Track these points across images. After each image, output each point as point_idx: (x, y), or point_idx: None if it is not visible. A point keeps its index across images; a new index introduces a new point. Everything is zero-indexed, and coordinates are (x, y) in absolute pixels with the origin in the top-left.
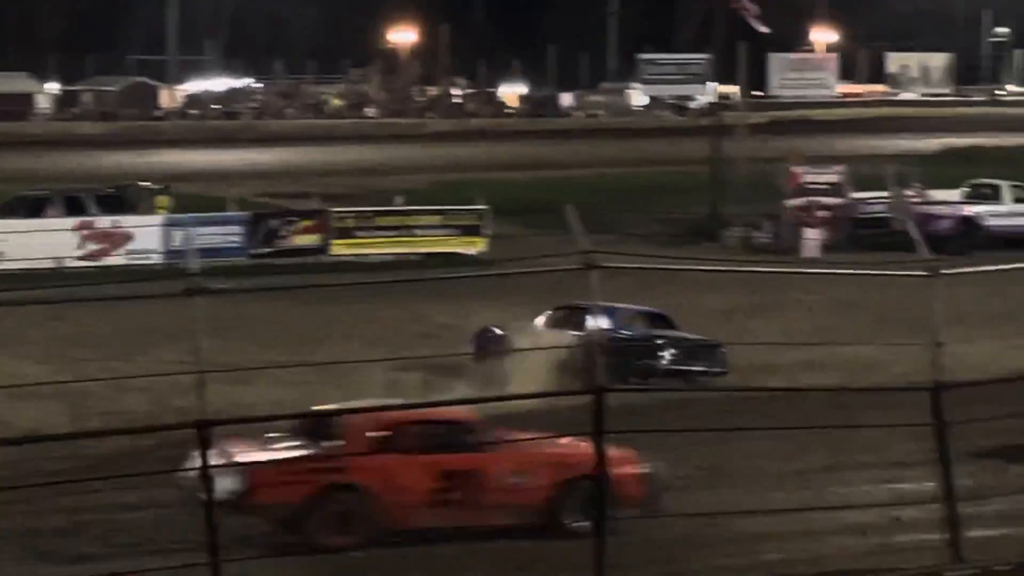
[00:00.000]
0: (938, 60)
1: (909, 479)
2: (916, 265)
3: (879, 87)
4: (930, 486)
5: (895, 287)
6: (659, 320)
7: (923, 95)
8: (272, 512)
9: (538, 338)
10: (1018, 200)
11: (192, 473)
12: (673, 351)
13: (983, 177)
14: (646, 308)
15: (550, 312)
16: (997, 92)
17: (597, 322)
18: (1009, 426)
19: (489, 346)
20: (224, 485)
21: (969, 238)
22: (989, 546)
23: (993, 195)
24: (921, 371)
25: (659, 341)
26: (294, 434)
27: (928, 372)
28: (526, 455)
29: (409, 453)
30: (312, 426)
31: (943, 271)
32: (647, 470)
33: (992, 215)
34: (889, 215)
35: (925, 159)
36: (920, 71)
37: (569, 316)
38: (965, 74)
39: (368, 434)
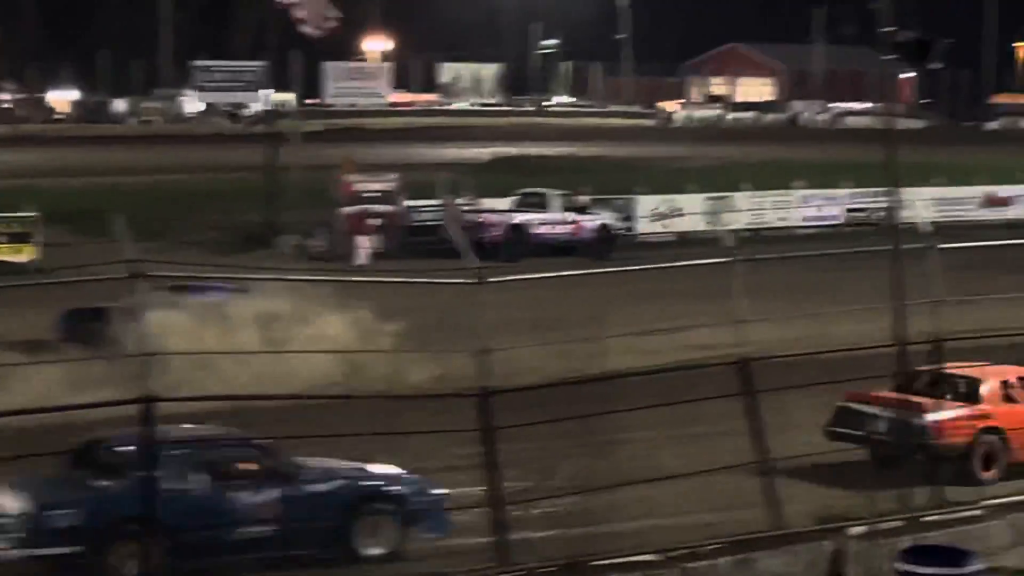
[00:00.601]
0: (489, 70)
1: (458, 484)
2: (464, 272)
3: (432, 96)
4: (479, 490)
5: (446, 294)
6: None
7: (474, 104)
8: (948, 452)
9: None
10: (565, 208)
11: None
12: None
13: (531, 185)
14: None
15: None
16: (544, 103)
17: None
18: (554, 430)
19: (83, 327)
20: (915, 431)
21: (518, 245)
22: (536, 548)
23: (541, 203)
24: (471, 377)
25: None
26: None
27: (476, 379)
28: None
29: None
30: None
31: (489, 279)
32: None
33: (540, 223)
34: (440, 223)
35: (476, 168)
36: (472, 81)
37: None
38: (515, 84)
39: (1001, 388)
